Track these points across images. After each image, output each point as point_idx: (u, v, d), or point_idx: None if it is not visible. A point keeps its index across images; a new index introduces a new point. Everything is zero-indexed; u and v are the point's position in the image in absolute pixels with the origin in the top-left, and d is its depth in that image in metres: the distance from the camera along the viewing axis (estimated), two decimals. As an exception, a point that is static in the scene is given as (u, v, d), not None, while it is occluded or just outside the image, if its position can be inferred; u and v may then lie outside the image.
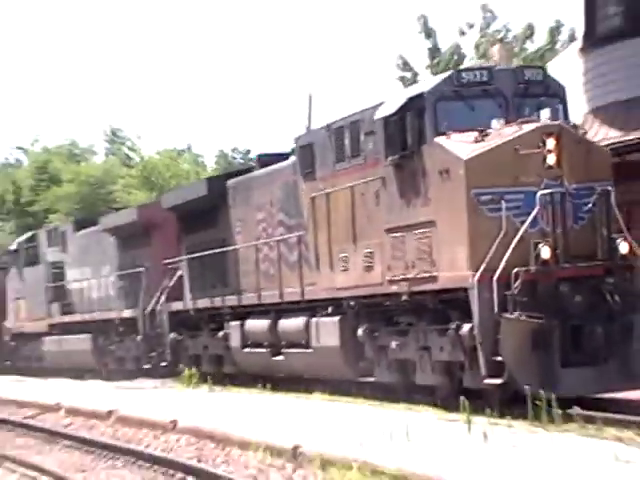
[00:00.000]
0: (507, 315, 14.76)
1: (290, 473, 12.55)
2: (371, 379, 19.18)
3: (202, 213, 26.71)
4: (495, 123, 16.05)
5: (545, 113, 16.23)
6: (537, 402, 13.87)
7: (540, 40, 49.92)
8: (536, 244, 15.13)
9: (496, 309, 14.85)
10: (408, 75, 47.70)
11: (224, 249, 25.28)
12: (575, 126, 17.39)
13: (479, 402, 15.39)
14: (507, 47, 38.34)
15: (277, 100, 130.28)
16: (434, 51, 47.04)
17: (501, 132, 15.97)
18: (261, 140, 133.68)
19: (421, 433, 13.28)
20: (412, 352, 17.65)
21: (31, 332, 37.54)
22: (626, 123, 22.52)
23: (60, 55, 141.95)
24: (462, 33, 47.27)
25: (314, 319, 20.80)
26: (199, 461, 14.14)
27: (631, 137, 20.11)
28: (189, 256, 27.51)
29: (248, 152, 74.11)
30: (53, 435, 20.42)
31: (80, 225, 36.40)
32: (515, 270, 14.88)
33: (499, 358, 14.87)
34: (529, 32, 48.01)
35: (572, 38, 39.74)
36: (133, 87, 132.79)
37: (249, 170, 26.00)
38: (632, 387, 15.47)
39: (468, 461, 10.87)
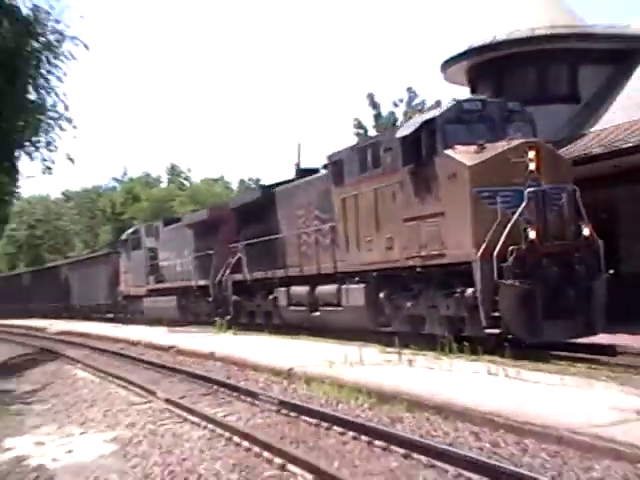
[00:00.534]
0: (504, 281, 13.53)
1: (285, 385, 13.18)
2: (388, 329, 17.44)
3: (256, 212, 24.93)
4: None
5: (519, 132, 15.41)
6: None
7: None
8: (525, 229, 13.82)
9: (496, 277, 13.58)
10: (361, 131, 47.83)
11: (273, 237, 23.61)
12: (547, 142, 16.01)
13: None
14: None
15: (278, 142, 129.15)
16: (377, 116, 47.75)
17: (495, 146, 14.68)
18: (267, 171, 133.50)
19: (370, 361, 13.80)
20: (423, 309, 16.07)
21: (135, 295, 37.31)
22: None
23: (138, 107, 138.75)
24: (395, 105, 47.95)
25: (344, 286, 19.08)
26: (228, 378, 14.68)
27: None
28: (245, 242, 25.76)
29: (259, 180, 73.45)
30: (136, 360, 20.46)
31: (167, 222, 35.70)
32: (510, 248, 13.60)
33: (496, 314, 13.72)
34: (437, 106, 47.25)
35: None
36: (184, 136, 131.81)
37: (290, 181, 24.27)
38: (592, 334, 14.44)
39: (398, 375, 12.02)
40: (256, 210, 24.87)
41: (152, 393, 13.44)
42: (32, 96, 15.63)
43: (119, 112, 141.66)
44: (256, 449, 8.14)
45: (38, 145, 15.75)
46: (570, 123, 21.55)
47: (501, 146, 14.52)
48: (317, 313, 20.70)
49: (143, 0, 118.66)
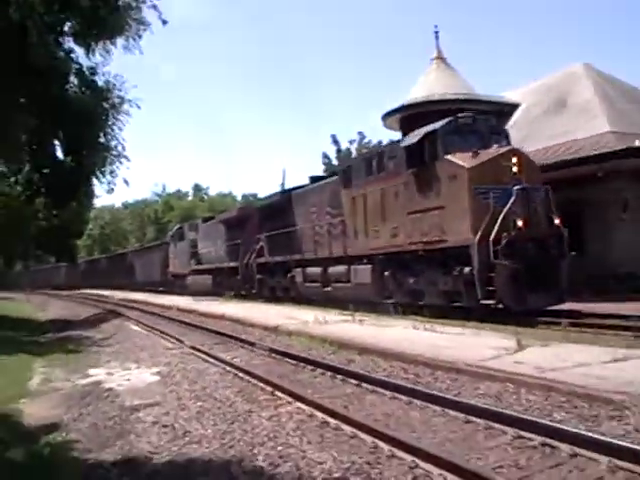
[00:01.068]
0: (500, 261, 11.83)
1: (274, 338, 12.88)
2: (390, 301, 15.57)
3: (276, 210, 22.91)
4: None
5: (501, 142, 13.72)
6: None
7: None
8: (514, 219, 12.13)
9: (492, 258, 11.83)
10: (327, 161, 47.78)
11: (290, 229, 21.59)
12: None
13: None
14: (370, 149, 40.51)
15: (269, 166, 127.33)
16: (338, 151, 47.47)
17: (487, 152, 12.91)
18: (262, 187, 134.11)
19: (332, 321, 13.80)
20: (423, 285, 14.27)
21: (181, 273, 35.17)
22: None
23: (170, 138, 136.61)
24: (350, 143, 48.10)
25: (353, 266, 17.22)
26: (233, 332, 14.27)
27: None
28: (267, 234, 23.80)
29: (256, 194, 71.82)
30: (170, 320, 19.95)
31: (205, 220, 33.88)
32: (504, 234, 11.92)
33: (490, 288, 12.03)
34: (379, 145, 48.01)
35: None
36: (205, 159, 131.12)
37: (303, 186, 22.27)
38: (562, 302, 12.81)
39: (352, 330, 12.05)
40: (276, 209, 22.90)
41: (181, 342, 13.38)
42: (102, 140, 17.09)
43: (158, 142, 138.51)
44: (254, 381, 8.38)
45: (105, 174, 17.59)
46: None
47: (492, 152, 12.83)
48: (329, 288, 18.83)
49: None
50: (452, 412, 5.95)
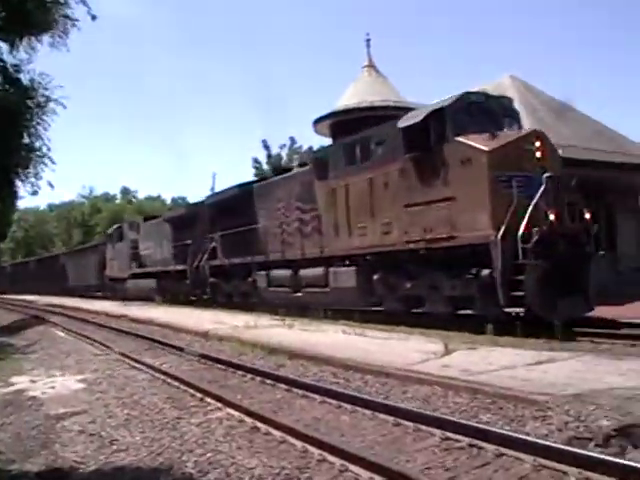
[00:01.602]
0: (532, 262, 9.89)
1: (204, 343, 12.85)
2: (380, 308, 13.69)
3: (232, 207, 20.49)
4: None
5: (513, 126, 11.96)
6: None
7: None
8: (546, 211, 10.20)
9: (521, 258, 9.87)
10: (258, 165, 46.02)
11: (250, 227, 19.26)
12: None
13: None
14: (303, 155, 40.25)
15: (200, 170, 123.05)
16: (269, 156, 46.08)
17: (507, 134, 11.06)
18: (192, 191, 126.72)
19: (263, 325, 14.03)
20: (422, 290, 12.25)
21: (119, 277, 32.25)
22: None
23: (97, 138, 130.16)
24: (280, 148, 46.92)
25: (332, 269, 15.04)
26: (163, 337, 14.18)
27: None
28: (221, 233, 21.49)
29: (185, 198, 72.18)
30: (100, 326, 19.37)
31: (146, 219, 31.28)
32: (536, 229, 9.97)
33: (518, 293, 10.05)
34: (309, 150, 45.99)
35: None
36: (133, 162, 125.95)
37: (265, 178, 20.35)
38: (590, 310, 11.05)
39: (282, 334, 12.06)
40: (233, 205, 20.47)
41: (110, 348, 13.28)
42: (26, 140, 15.78)
43: (87, 144, 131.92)
44: (183, 387, 8.31)
45: (29, 175, 16.19)
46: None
47: (513, 134, 10.98)
48: (299, 294, 16.66)
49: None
50: (381, 415, 6.00)
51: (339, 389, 7.11)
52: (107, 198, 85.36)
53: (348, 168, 14.28)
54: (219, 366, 9.77)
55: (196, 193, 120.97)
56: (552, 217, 10.06)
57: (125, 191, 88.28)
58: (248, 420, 6.25)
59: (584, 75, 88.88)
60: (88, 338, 15.63)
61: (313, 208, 16.01)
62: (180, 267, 25.09)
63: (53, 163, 18.14)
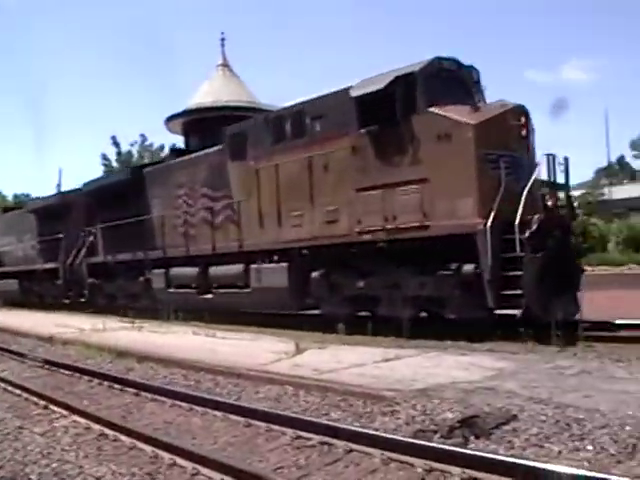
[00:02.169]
0: (531, 254, 8.42)
1: (48, 348, 12.24)
2: (316, 312, 11.88)
3: (117, 195, 17.56)
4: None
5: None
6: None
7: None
8: (543, 196, 8.98)
9: (518, 250, 8.33)
10: (107, 162, 44.77)
11: (141, 218, 16.58)
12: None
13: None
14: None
15: (44, 165, 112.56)
16: (119, 153, 44.83)
17: (489, 107, 9.55)
18: (35, 188, 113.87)
19: (111, 328, 13.50)
20: (378, 290, 10.42)
21: None
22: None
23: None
24: (131, 145, 45.28)
25: (254, 266, 12.81)
26: (2, 342, 13.24)
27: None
28: (102, 225, 18.59)
29: (29, 194, 60.98)
30: None
31: (5, 210, 27.61)
32: (537, 216, 8.53)
33: (509, 292, 8.52)
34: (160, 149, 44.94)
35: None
36: None
37: (162, 161, 17.37)
38: (578, 312, 9.35)
39: (132, 337, 11.95)
40: (117, 192, 17.56)
41: None
42: None
43: None
44: (26, 395, 7.82)
45: None
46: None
47: (496, 108, 9.35)
48: (209, 295, 14.25)
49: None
50: (233, 417, 5.96)
51: (189, 391, 7.03)
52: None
53: (276, 147, 12.13)
54: (64, 372, 9.40)
55: (41, 190, 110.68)
56: (550, 203, 8.63)
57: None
58: (95, 427, 6.01)
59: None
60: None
61: (226, 195, 13.71)
62: (50, 265, 21.61)
63: None
